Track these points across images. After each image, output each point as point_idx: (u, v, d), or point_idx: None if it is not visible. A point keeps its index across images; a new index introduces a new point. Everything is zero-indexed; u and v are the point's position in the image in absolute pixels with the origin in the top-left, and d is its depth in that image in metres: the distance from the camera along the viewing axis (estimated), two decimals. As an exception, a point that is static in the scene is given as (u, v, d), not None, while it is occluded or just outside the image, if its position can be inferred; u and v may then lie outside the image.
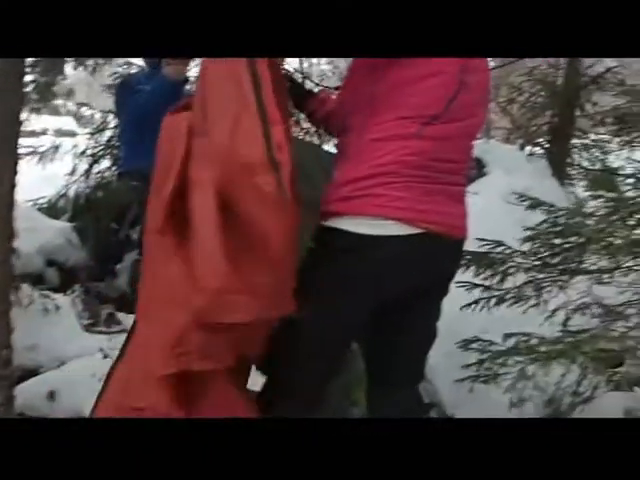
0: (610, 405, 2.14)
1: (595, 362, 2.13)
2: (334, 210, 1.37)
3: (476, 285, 2.24)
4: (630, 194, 2.72)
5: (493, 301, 2.23)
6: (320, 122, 1.64)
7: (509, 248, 2.31)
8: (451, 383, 2.11)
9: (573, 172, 4.10)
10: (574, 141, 4.20)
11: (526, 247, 2.34)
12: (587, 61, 4.60)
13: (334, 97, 1.64)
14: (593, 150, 4.07)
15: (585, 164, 4.06)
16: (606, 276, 2.38)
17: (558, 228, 2.19)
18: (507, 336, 1.96)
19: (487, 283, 2.24)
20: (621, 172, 3.54)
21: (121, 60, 4.20)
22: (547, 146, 4.15)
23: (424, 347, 1.52)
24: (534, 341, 1.86)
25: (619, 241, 2.26)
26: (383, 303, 1.38)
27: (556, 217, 2.29)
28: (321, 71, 4.35)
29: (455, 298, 2.33)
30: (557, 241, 2.20)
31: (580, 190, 3.86)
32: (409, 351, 1.48)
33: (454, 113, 1.34)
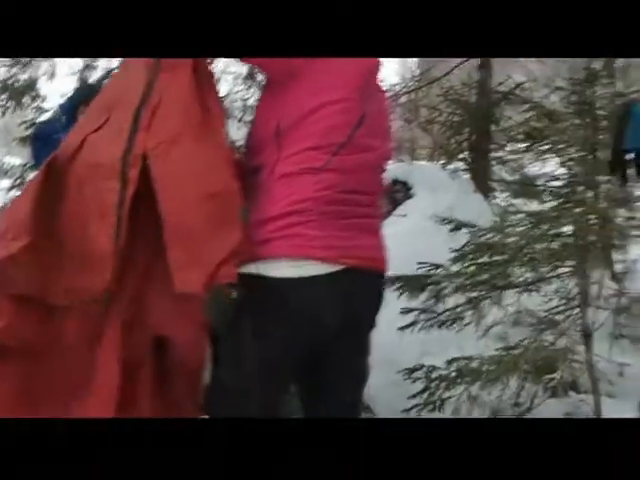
0: (550, 413, 2.22)
1: (532, 373, 2.22)
2: (253, 254, 1.34)
3: (412, 310, 2.28)
4: (548, 205, 2.88)
5: (431, 323, 2.28)
6: None
7: (444, 269, 2.38)
8: (396, 414, 2.12)
9: (495, 185, 4.28)
10: (493, 155, 4.40)
11: (456, 267, 2.42)
12: (498, 78, 4.86)
13: None
14: (511, 163, 4.27)
15: (504, 176, 4.25)
16: (532, 287, 2.49)
17: (483, 247, 2.28)
18: (450, 362, 1.99)
19: (423, 306, 2.29)
20: (538, 183, 3.74)
21: (33, 105, 4.09)
22: (468, 162, 4.32)
23: (358, 383, 1.50)
24: (475, 363, 1.90)
25: (539, 254, 2.38)
26: (311, 344, 1.37)
27: (480, 237, 2.39)
28: (244, 105, 4.36)
29: (393, 326, 2.39)
30: (484, 259, 2.29)
31: (503, 202, 4.03)
32: (343, 390, 1.46)
33: (360, 142, 1.36)
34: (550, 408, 2.26)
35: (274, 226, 1.32)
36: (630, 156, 2.97)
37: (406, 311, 2.28)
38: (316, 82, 1.34)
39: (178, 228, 1.25)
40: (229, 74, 4.47)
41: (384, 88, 1.55)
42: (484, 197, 4.01)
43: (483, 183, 4.15)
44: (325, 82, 1.35)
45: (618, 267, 3.14)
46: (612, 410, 2.32)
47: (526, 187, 3.94)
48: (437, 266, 2.33)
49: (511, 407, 2.21)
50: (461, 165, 4.40)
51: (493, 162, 4.37)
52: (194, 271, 1.24)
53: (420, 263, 2.31)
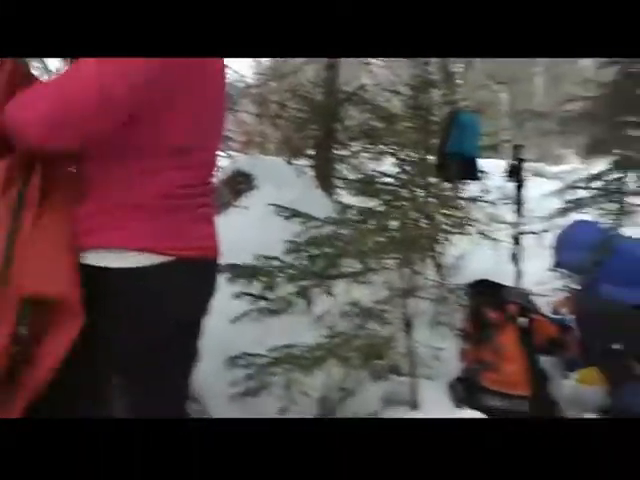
0: (371, 396, 2.37)
1: (357, 359, 2.35)
2: (78, 244, 1.32)
3: (246, 295, 2.30)
4: (376, 202, 3.07)
5: (263, 312, 2.32)
6: None
7: (278, 260, 2.43)
8: (224, 400, 2.13)
9: (337, 182, 4.44)
10: (336, 152, 4.56)
11: (291, 257, 2.49)
12: (343, 77, 5.05)
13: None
14: (352, 161, 4.46)
15: (346, 174, 4.43)
16: (361, 278, 2.64)
17: (316, 239, 2.37)
18: (272, 349, 2.04)
19: (255, 292, 2.32)
20: (375, 181, 3.96)
21: None
22: (312, 159, 4.44)
23: (188, 370, 1.51)
24: (298, 350, 1.96)
25: (368, 247, 2.53)
26: (143, 333, 1.36)
27: (315, 227, 2.48)
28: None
29: (226, 313, 2.39)
30: (316, 251, 2.37)
31: (344, 199, 4.19)
32: (174, 377, 1.46)
33: (197, 143, 1.39)
34: (372, 391, 2.41)
35: (108, 217, 1.33)
36: (452, 159, 3.25)
37: (238, 295, 2.29)
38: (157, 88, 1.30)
39: None
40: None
41: (223, 87, 1.56)
42: (326, 194, 4.13)
43: (326, 180, 4.29)
44: (165, 88, 1.31)
45: (440, 260, 3.43)
46: (428, 391, 2.54)
47: (365, 185, 4.15)
48: (270, 257, 2.38)
49: (336, 392, 2.32)
50: (306, 161, 4.50)
51: (336, 160, 4.52)
52: None
53: (254, 255, 2.34)
